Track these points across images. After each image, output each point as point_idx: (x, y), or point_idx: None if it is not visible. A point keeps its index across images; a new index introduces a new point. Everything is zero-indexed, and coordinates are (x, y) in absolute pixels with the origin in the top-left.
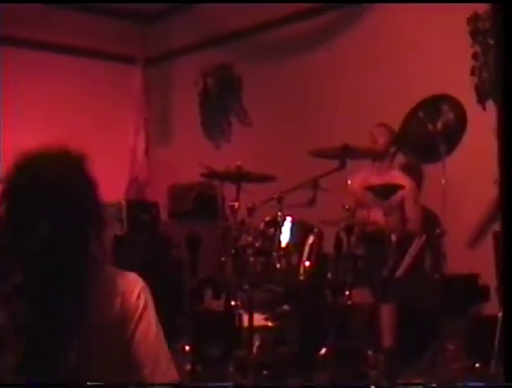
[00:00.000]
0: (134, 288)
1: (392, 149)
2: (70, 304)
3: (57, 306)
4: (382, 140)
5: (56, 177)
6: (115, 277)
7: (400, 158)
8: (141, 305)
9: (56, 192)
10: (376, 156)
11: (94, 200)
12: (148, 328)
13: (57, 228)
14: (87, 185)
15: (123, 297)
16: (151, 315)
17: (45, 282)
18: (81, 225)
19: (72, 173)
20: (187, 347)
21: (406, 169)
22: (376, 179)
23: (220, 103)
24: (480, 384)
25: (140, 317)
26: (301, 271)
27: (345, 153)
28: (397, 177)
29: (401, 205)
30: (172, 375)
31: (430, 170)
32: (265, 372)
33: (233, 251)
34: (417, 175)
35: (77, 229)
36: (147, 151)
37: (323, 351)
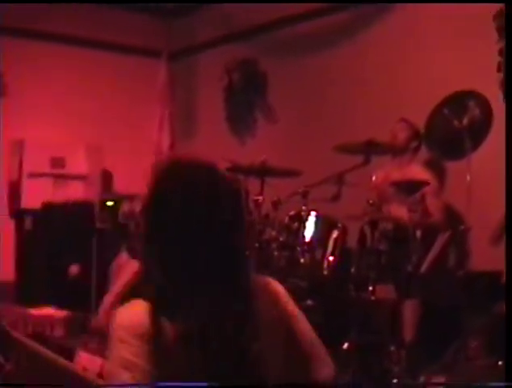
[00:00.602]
0: (278, 286)
1: (413, 144)
2: (241, 306)
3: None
4: (402, 135)
5: (209, 188)
6: (257, 278)
7: (424, 154)
8: (290, 302)
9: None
10: (397, 151)
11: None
12: (301, 320)
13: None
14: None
15: (275, 296)
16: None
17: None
18: (239, 235)
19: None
20: None
21: (429, 165)
22: (397, 174)
23: (245, 99)
24: (480, 384)
25: (292, 311)
26: (325, 265)
27: (369, 149)
28: (418, 172)
29: (423, 200)
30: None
31: (455, 166)
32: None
33: (257, 245)
34: (440, 171)
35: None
36: (172, 146)
37: (345, 345)
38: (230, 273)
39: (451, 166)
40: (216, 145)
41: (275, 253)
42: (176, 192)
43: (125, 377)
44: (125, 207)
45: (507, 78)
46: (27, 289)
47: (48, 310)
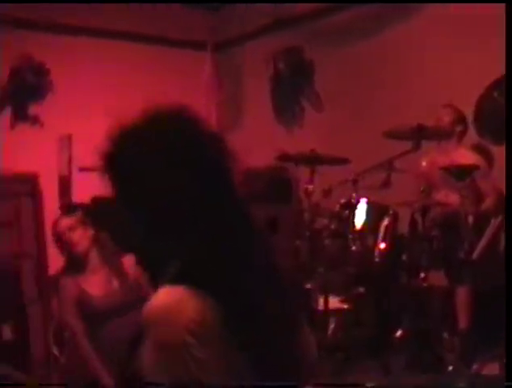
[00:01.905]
0: None
1: (459, 129)
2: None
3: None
4: (447, 119)
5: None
6: None
7: (471, 139)
8: None
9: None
10: (443, 136)
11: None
12: None
13: None
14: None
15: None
16: None
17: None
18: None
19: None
20: None
21: (477, 150)
22: (444, 160)
23: (292, 87)
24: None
25: None
26: (376, 253)
27: (419, 134)
28: (466, 156)
29: (474, 185)
30: None
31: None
32: (340, 354)
33: (308, 234)
34: (488, 156)
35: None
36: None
37: (398, 333)
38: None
39: (500, 151)
40: (263, 135)
41: (326, 241)
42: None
43: None
44: None
45: (507, 77)
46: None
47: None
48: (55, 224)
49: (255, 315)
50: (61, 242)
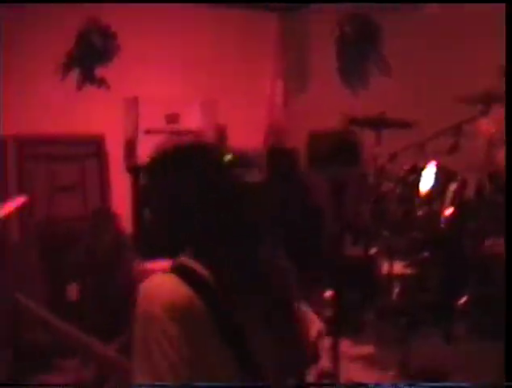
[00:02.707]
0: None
1: None
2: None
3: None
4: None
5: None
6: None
7: None
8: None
9: None
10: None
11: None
12: None
13: None
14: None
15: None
16: None
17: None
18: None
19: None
20: (328, 294)
21: None
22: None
23: (358, 51)
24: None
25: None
26: (442, 218)
27: (489, 99)
28: None
29: None
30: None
31: None
32: (403, 319)
33: (374, 198)
34: None
35: None
36: (285, 100)
37: (463, 299)
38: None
39: None
40: (328, 98)
41: (392, 206)
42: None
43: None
44: None
45: (507, 77)
46: (144, 243)
47: (165, 264)
48: None
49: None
50: None
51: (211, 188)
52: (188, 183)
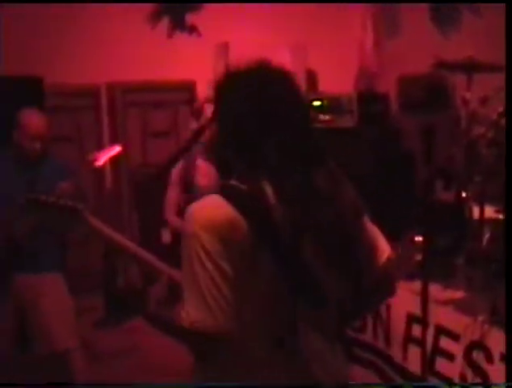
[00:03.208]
0: None
1: None
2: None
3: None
4: None
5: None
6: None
7: None
8: None
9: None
10: None
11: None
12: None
13: None
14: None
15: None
16: None
17: None
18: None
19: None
20: (418, 238)
21: None
22: None
23: None
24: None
25: None
26: None
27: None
28: None
29: None
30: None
31: None
32: (494, 265)
33: (465, 142)
34: None
35: None
36: (376, 43)
37: None
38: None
39: None
40: (420, 41)
41: (483, 150)
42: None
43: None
44: None
45: (507, 77)
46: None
47: None
48: (204, 104)
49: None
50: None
51: (279, 109)
52: (257, 102)
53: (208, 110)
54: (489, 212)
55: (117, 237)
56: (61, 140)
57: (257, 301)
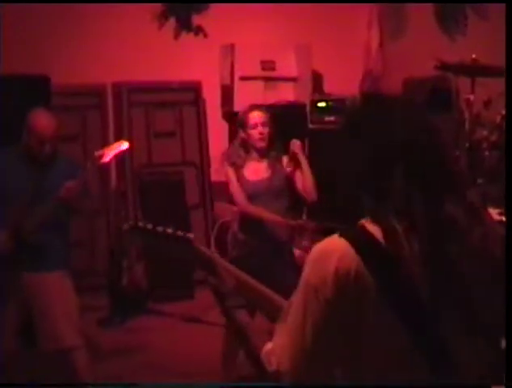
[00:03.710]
0: None
1: None
2: None
3: None
4: None
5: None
6: None
7: None
8: None
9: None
10: None
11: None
12: None
13: None
14: None
15: None
16: None
17: None
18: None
19: None
20: None
21: None
22: None
23: None
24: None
25: None
26: None
27: None
28: None
29: None
30: None
31: None
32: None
33: (468, 145)
34: None
35: None
36: (381, 45)
37: None
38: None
39: None
40: (425, 43)
41: (486, 153)
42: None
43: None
44: None
45: (507, 77)
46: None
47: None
48: (247, 113)
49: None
50: (247, 133)
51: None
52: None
53: (252, 119)
54: (493, 214)
55: (226, 264)
56: (67, 139)
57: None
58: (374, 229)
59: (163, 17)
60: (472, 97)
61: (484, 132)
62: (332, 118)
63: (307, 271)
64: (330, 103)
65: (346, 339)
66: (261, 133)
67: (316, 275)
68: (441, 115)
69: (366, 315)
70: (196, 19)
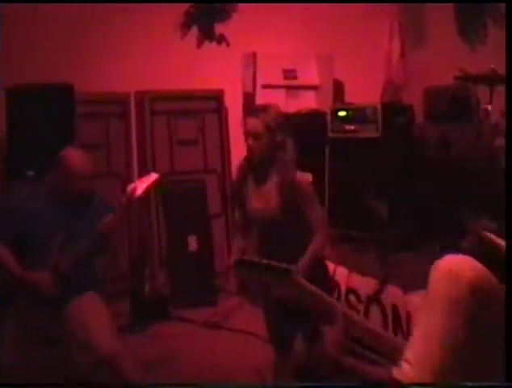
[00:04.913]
0: None
1: None
2: None
3: None
4: None
5: None
6: None
7: None
8: None
9: None
10: None
11: None
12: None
13: None
14: None
15: None
16: None
17: None
18: None
19: None
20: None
21: None
22: None
23: (475, 5)
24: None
25: None
26: None
27: None
28: None
29: None
30: None
31: None
32: None
33: (487, 154)
34: None
35: None
36: (402, 54)
37: None
38: None
39: None
40: (445, 53)
41: (504, 162)
42: None
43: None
44: None
45: (507, 77)
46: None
47: None
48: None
49: None
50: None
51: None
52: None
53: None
54: None
55: (327, 298)
56: (90, 147)
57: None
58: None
59: (186, 26)
60: (490, 107)
61: (503, 141)
62: (352, 127)
63: (439, 287)
64: (351, 112)
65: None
66: (248, 147)
67: (453, 289)
68: (461, 125)
69: (496, 324)
70: (219, 28)
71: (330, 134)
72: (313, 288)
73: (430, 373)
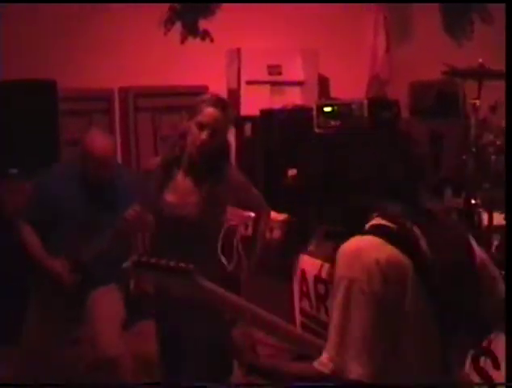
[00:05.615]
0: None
1: None
2: None
3: None
4: None
5: None
6: None
7: None
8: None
9: None
10: None
11: None
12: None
13: None
14: None
15: None
16: None
17: None
18: None
19: None
20: None
21: None
22: None
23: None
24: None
25: None
26: None
27: None
28: None
29: None
30: None
31: None
32: (502, 272)
33: (474, 149)
34: None
35: None
36: (388, 49)
37: None
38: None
39: None
40: (431, 49)
41: (493, 157)
42: None
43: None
44: None
45: (507, 77)
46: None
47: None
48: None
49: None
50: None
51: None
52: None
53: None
54: (498, 218)
55: (232, 298)
56: (73, 143)
57: (408, 344)
58: (388, 224)
59: (169, 22)
60: (478, 102)
61: (491, 137)
62: (338, 123)
63: (343, 268)
64: (336, 108)
65: (389, 330)
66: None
67: (357, 269)
68: (448, 120)
69: (406, 303)
70: (203, 24)
71: (316, 130)
72: (215, 287)
73: (348, 354)
